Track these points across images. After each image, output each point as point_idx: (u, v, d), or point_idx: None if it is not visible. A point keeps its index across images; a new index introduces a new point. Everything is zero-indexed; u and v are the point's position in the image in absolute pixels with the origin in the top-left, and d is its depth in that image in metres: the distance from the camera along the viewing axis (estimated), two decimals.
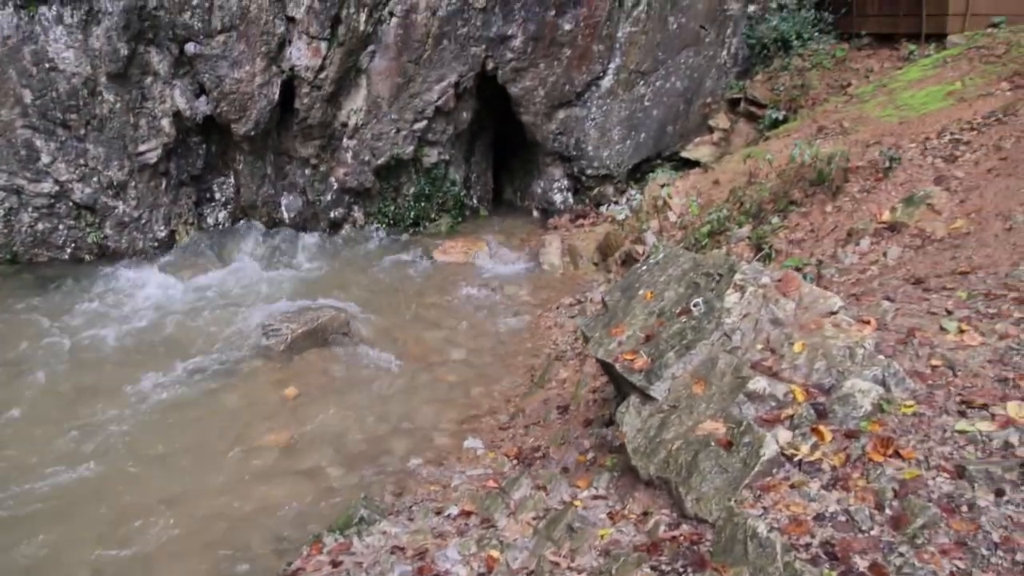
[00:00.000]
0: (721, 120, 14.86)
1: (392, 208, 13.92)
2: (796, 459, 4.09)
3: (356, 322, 10.11)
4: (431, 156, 13.99)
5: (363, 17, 12.54)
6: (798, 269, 7.94)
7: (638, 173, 14.78)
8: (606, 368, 5.80)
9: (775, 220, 9.05)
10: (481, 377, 9.05)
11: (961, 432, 3.92)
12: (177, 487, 7.06)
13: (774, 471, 4.09)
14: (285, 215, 13.65)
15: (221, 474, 7.23)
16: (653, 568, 3.80)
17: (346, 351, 9.53)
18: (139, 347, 9.82)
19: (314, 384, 8.85)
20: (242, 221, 13.55)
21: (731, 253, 9.08)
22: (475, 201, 15.08)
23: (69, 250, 12.38)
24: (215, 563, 6.12)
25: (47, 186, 11.95)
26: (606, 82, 14.05)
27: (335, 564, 5.28)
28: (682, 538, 4.00)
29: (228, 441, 7.72)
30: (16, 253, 12.11)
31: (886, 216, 8.27)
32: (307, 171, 13.50)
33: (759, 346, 4.85)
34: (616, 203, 13.68)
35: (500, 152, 15.82)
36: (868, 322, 4.84)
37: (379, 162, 13.49)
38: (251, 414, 8.27)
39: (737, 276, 5.17)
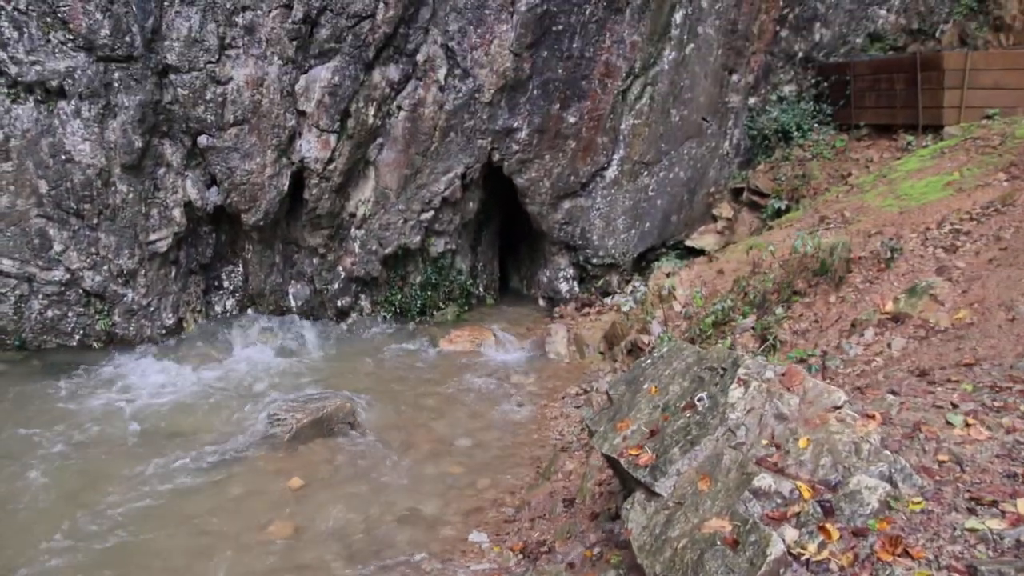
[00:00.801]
0: (724, 209, 15.06)
1: (399, 297, 14.03)
2: (803, 558, 4.04)
3: (362, 411, 10.09)
4: (438, 246, 14.16)
5: (372, 111, 12.86)
6: (802, 361, 7.96)
7: (643, 261, 14.92)
8: (612, 463, 5.78)
9: (779, 311, 9.10)
10: (487, 468, 8.99)
11: (971, 530, 3.89)
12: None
13: (781, 571, 4.04)
14: (293, 303, 13.75)
15: (222, 566, 7.13)
16: None
17: (351, 441, 9.50)
18: (144, 435, 9.79)
19: (319, 474, 8.79)
20: (250, 309, 13.65)
21: (736, 344, 9.11)
22: (481, 290, 15.19)
23: (78, 337, 12.45)
24: None
25: (58, 274, 12.10)
26: (610, 173, 14.30)
27: None
28: None
29: (232, 531, 7.64)
30: (25, 340, 12.19)
31: (889, 307, 8.32)
32: (315, 260, 13.66)
33: (764, 441, 4.84)
34: (621, 293, 13.78)
35: (506, 241, 16.01)
36: (873, 416, 4.84)
37: (386, 251, 13.65)
38: (255, 504, 8.19)
39: (741, 370, 5.19)
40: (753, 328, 9.16)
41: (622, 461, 5.24)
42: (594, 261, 14.75)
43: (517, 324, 13.80)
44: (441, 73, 13.04)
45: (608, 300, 14.03)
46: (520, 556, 6.78)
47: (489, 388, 11.22)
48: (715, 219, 15.21)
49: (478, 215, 14.59)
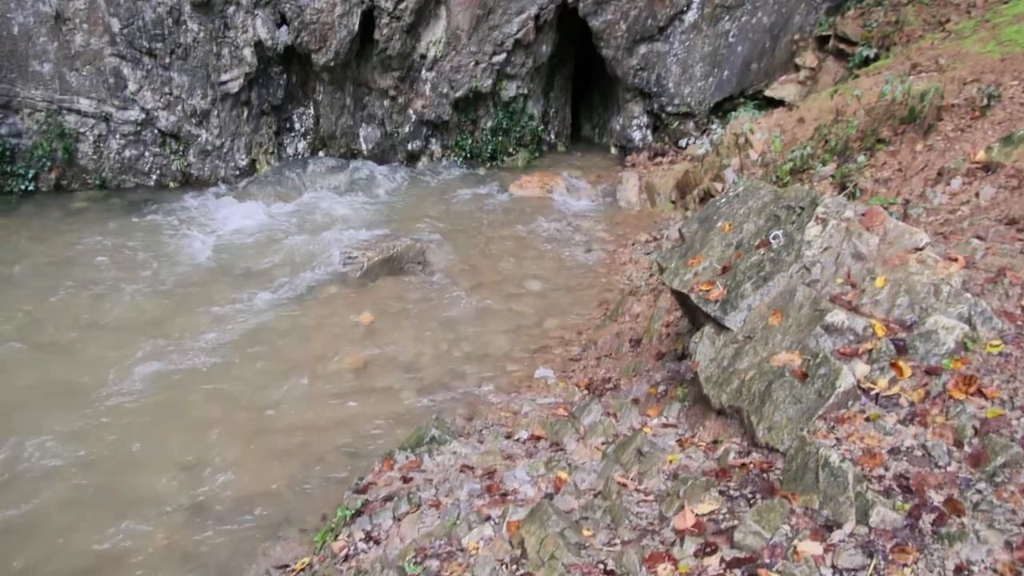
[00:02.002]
0: (808, 58, 14.37)
1: (469, 142, 13.90)
2: (873, 393, 4.02)
3: (431, 252, 10.19)
4: (509, 90, 13.88)
5: None
6: (884, 207, 7.71)
7: (719, 112, 14.44)
8: (681, 299, 5.75)
9: (861, 158, 8.76)
10: (554, 309, 9.07)
11: None
12: (257, 401, 7.30)
13: (849, 403, 4.02)
14: (363, 146, 13.74)
15: (299, 391, 7.44)
16: (721, 492, 3.80)
17: (421, 280, 9.64)
18: (220, 270, 10.07)
19: (389, 310, 8.98)
20: (321, 152, 13.69)
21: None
22: (553, 136, 14.95)
23: (155, 176, 12.69)
24: (292, 472, 6.34)
25: (134, 114, 12.23)
26: (690, 16, 13.68)
27: (405, 479, 5.42)
28: (752, 465, 3.98)
29: (306, 361, 7.92)
30: (105, 179, 12.47)
31: (981, 156, 7.93)
32: (385, 103, 13.53)
33: (839, 280, 4.74)
34: (696, 142, 13.43)
35: (579, 87, 15.61)
36: (956, 259, 4.67)
37: (457, 95, 13.44)
38: (328, 337, 8.45)
39: (819, 209, 5.05)
40: (832, 176, 8.86)
41: (692, 296, 5.21)
42: (669, 109, 14.33)
43: (588, 171, 13.62)
44: None
45: (682, 148, 13.71)
46: (585, 391, 6.90)
47: (558, 233, 11.19)
48: (797, 68, 14.53)
49: (551, 59, 14.18)
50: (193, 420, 7.05)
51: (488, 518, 4.41)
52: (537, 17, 13.24)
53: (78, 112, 12.05)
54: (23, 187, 12.03)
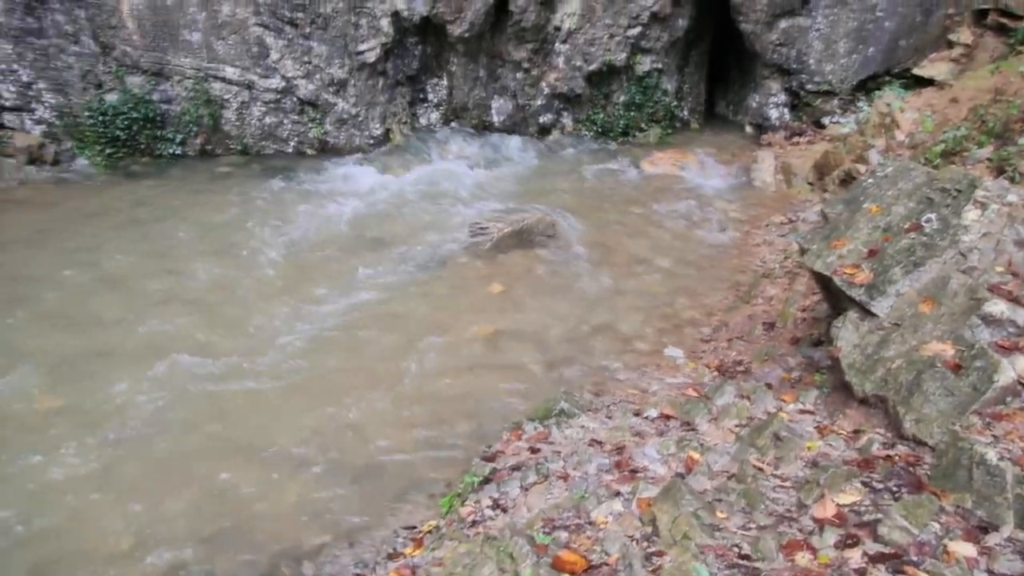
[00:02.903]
0: (964, 34, 13.56)
1: (601, 116, 13.78)
2: None
3: (562, 226, 10.17)
4: (644, 64, 13.67)
5: None
6: None
7: (863, 91, 13.82)
8: (822, 282, 5.56)
9: (1023, 141, 8.25)
10: (685, 289, 8.93)
11: None
12: (389, 366, 7.47)
13: (1008, 399, 3.81)
14: (495, 118, 13.81)
15: (429, 358, 7.57)
16: (864, 484, 3.66)
17: (551, 253, 9.64)
18: (355, 237, 10.32)
19: (519, 282, 9.03)
20: (453, 123, 13.83)
21: None
22: (686, 113, 14.66)
23: (293, 144, 13.10)
24: (419, 438, 6.48)
25: (275, 82, 12.63)
26: None
27: (533, 451, 5.45)
28: (898, 458, 3.83)
29: (435, 329, 8.05)
30: (246, 145, 12.95)
31: None
32: (519, 75, 13.54)
33: (999, 268, 4.48)
34: (837, 121, 12.92)
35: (715, 63, 15.23)
36: None
37: (591, 68, 13.33)
38: (457, 306, 8.57)
39: (979, 192, 4.78)
40: (990, 159, 8.37)
41: (836, 279, 5.03)
42: (809, 87, 13.82)
43: (722, 150, 13.30)
44: None
45: (824, 128, 13.21)
46: (715, 373, 6.78)
47: (690, 211, 10.99)
48: (950, 45, 13.75)
49: (687, 33, 13.88)
50: (328, 382, 7.27)
51: (617, 493, 4.39)
52: None
53: (224, 80, 12.54)
54: (171, 151, 12.64)
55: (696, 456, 4.60)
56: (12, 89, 12.23)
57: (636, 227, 10.58)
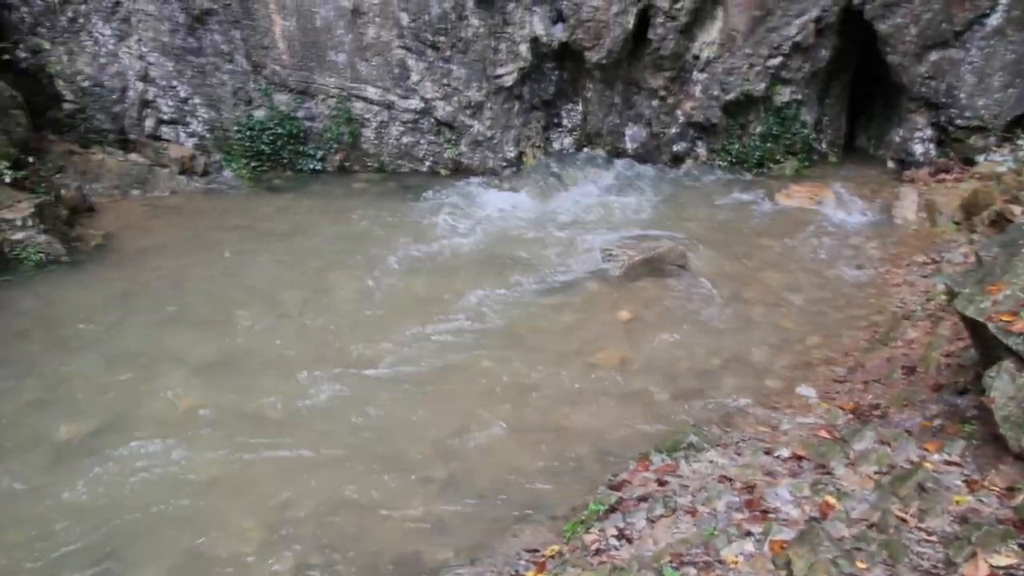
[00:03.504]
0: None
1: (737, 146, 13.56)
2: None
3: (693, 256, 10.04)
4: (783, 95, 13.40)
5: None
6: None
7: (1019, 127, 13.17)
8: (972, 328, 5.30)
9: None
10: (818, 326, 8.67)
11: None
12: (516, 385, 7.56)
13: None
14: (628, 145, 13.78)
15: (556, 381, 7.60)
16: (1021, 546, 3.46)
17: (681, 283, 9.53)
18: (484, 256, 10.49)
19: (648, 311, 8.97)
20: (586, 148, 13.88)
21: None
22: (824, 145, 14.26)
23: (428, 163, 13.41)
24: (545, 461, 6.50)
25: (414, 103, 12.97)
26: (993, 20, 12.55)
27: (661, 483, 5.38)
28: None
29: (564, 352, 8.09)
30: (383, 163, 13.35)
31: None
32: (654, 103, 13.49)
33: None
34: (990, 157, 12.32)
35: (857, 95, 14.78)
36: None
37: (728, 98, 13.15)
38: (585, 331, 8.57)
39: None
40: None
41: (990, 326, 4.78)
42: (958, 122, 13.25)
43: (861, 185, 12.87)
44: None
45: (970, 166, 12.63)
46: (850, 416, 6.54)
47: (826, 247, 10.67)
48: None
49: (829, 64, 13.52)
50: (454, 399, 7.40)
51: (748, 533, 4.29)
52: (818, 20, 12.67)
53: (365, 99, 12.97)
54: (312, 166, 13.17)
55: (833, 501, 4.44)
56: (171, 104, 12.98)
57: (769, 261, 10.35)
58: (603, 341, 8.34)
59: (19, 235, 10.06)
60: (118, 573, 5.59)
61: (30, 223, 10.15)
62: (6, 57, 11.99)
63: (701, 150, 13.76)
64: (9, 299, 9.38)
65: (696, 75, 13.16)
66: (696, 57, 13.03)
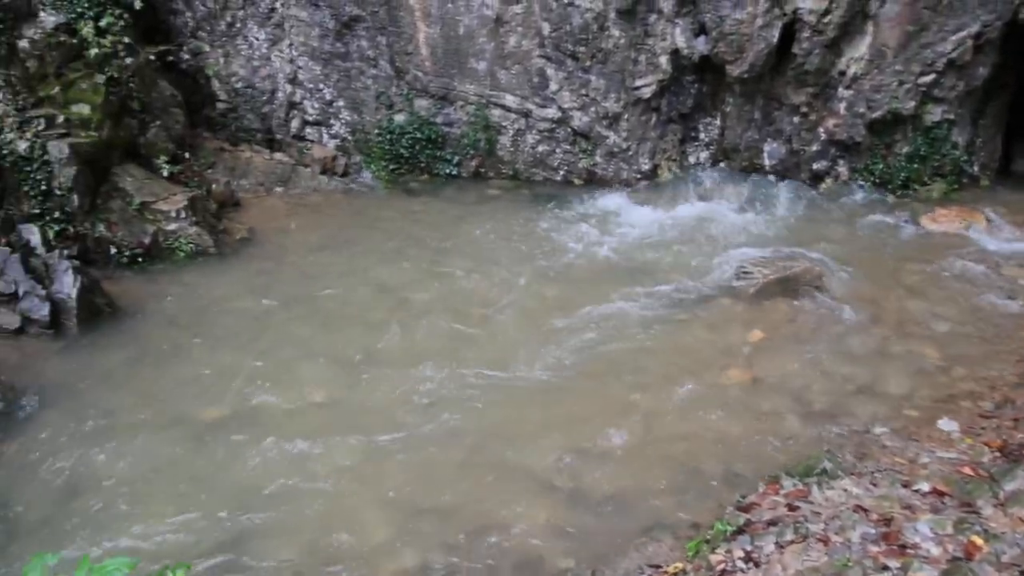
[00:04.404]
0: None
1: (881, 166, 13.04)
2: None
3: (830, 278, 9.72)
4: (933, 114, 12.82)
5: None
6: None
7: None
8: None
9: None
10: (963, 357, 8.23)
11: None
12: (643, 400, 7.52)
13: None
14: (766, 161, 13.45)
15: (685, 398, 7.51)
16: None
17: (816, 305, 9.23)
18: (615, 266, 10.49)
19: (780, 331, 8.74)
20: (722, 163, 13.63)
21: None
22: (976, 168, 13.56)
23: (562, 173, 13.46)
24: (668, 476, 6.43)
25: (551, 112, 13.04)
26: None
27: (791, 508, 5.22)
28: None
29: (693, 369, 7.99)
30: (517, 170, 13.48)
31: None
32: (795, 119, 13.13)
33: None
34: None
35: (1016, 116, 14.00)
36: None
37: (874, 116, 12.68)
38: (716, 348, 8.44)
39: None
40: None
41: None
42: None
43: (1016, 211, 12.15)
44: None
45: None
46: (997, 454, 6.19)
47: (975, 275, 10.13)
48: None
49: (986, 83, 12.86)
50: (583, 407, 7.44)
51: (885, 567, 4.12)
52: (978, 35, 12.07)
53: (503, 107, 13.13)
54: (447, 171, 13.42)
55: (980, 542, 4.21)
56: (316, 105, 13.48)
57: (911, 286, 9.91)
58: (733, 358, 8.18)
59: (172, 226, 10.63)
60: (244, 556, 5.81)
61: (183, 215, 10.71)
62: (170, 58, 12.69)
63: (843, 169, 13.31)
64: (160, 286, 9.94)
65: (841, 91, 12.75)
66: (842, 73, 12.63)
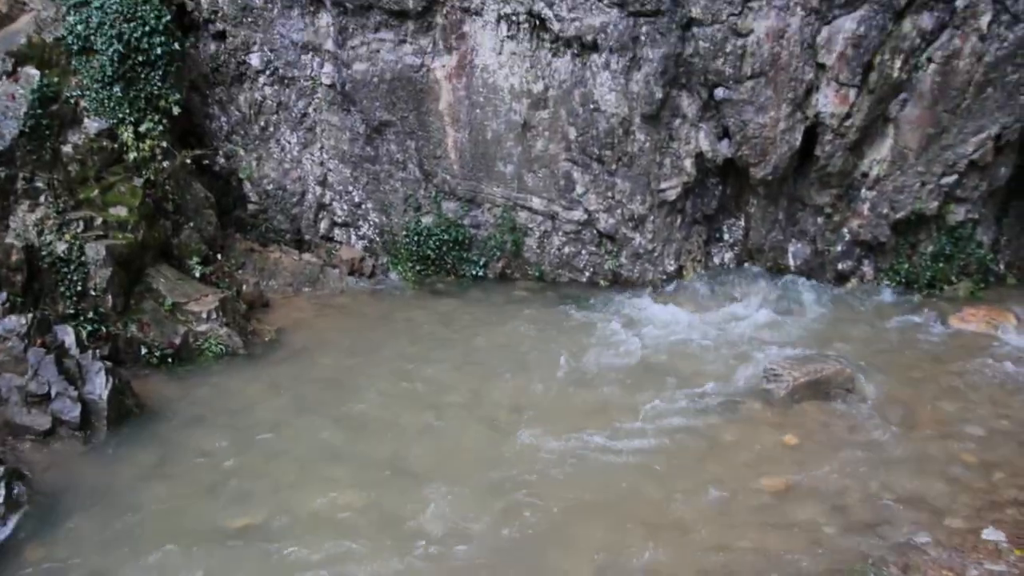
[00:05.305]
0: None
1: (906, 266, 13.05)
2: None
3: (861, 379, 9.64)
4: (957, 214, 12.89)
5: (897, 64, 11.99)
6: None
7: None
8: None
9: None
10: (1003, 462, 8.06)
11: None
12: (674, 507, 7.41)
13: None
14: (791, 262, 13.51)
15: (717, 506, 7.38)
16: None
17: (849, 408, 9.14)
18: (643, 369, 10.42)
19: (814, 436, 8.62)
20: (747, 264, 13.70)
21: None
22: (1002, 267, 13.55)
23: (587, 274, 13.55)
24: None
25: (577, 214, 13.22)
26: None
27: None
28: None
29: (725, 475, 7.87)
30: (543, 272, 13.58)
31: None
32: (819, 220, 13.24)
33: None
34: None
35: None
36: None
37: (898, 216, 12.77)
38: (747, 454, 8.31)
39: None
40: None
41: None
42: None
43: None
44: (984, 20, 11.66)
45: None
46: None
47: (1007, 375, 10.01)
48: None
49: (1009, 182, 12.96)
50: (609, 514, 7.35)
51: None
52: (998, 137, 12.23)
53: (530, 209, 13.33)
54: (474, 272, 13.54)
55: None
56: (345, 207, 13.76)
57: (943, 388, 9.79)
58: (766, 465, 8.05)
59: (203, 327, 10.74)
60: None
61: (214, 316, 10.84)
62: (205, 161, 13.04)
63: (868, 269, 13.33)
64: (188, 387, 9.98)
65: (864, 192, 12.88)
66: (865, 175, 12.78)
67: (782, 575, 6.38)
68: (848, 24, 11.83)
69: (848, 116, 12.25)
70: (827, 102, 12.28)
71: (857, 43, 11.83)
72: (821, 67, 12.16)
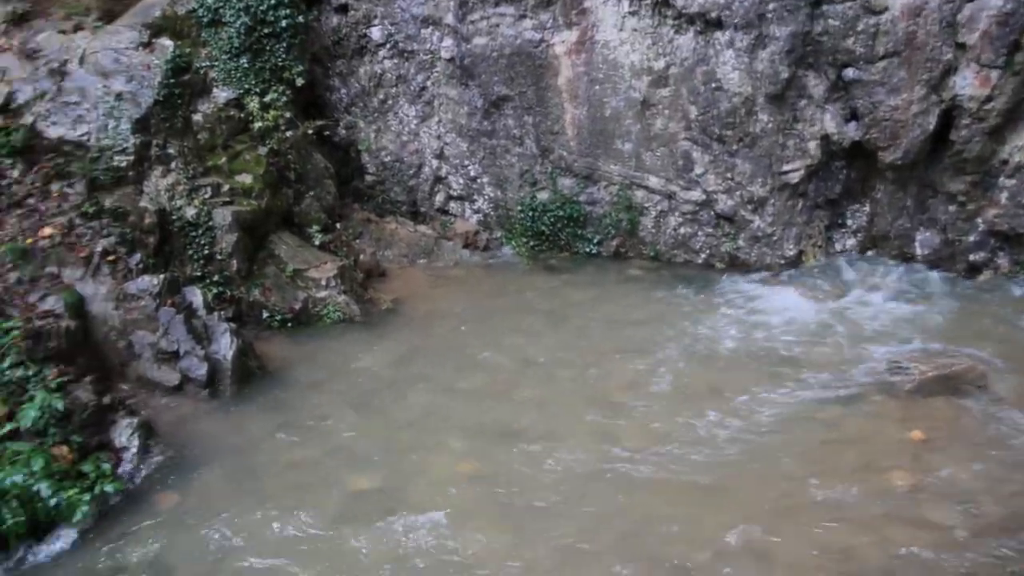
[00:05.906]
0: None
1: None
2: None
3: (994, 377, 9.18)
4: None
5: None
6: None
7: None
8: None
9: None
10: None
11: None
12: (789, 499, 7.24)
13: None
14: (918, 251, 12.94)
15: (837, 499, 7.19)
16: None
17: (981, 406, 8.71)
18: (757, 357, 10.15)
19: (943, 432, 8.26)
20: (870, 251, 13.20)
21: None
22: None
23: (703, 256, 13.31)
24: None
25: (695, 194, 12.98)
26: None
27: None
28: None
29: (848, 469, 7.63)
30: (658, 252, 13.40)
31: None
32: (951, 207, 12.64)
33: None
34: None
35: None
36: None
37: None
38: (872, 447, 8.03)
39: None
40: None
41: None
42: None
43: None
44: None
45: None
46: None
47: None
48: None
49: None
50: (724, 501, 7.27)
51: None
52: None
53: (647, 188, 13.16)
54: (588, 250, 13.47)
55: None
56: (461, 181, 13.85)
57: None
58: (892, 461, 7.75)
59: (322, 293, 11.00)
60: None
61: (332, 283, 11.08)
62: (326, 132, 13.32)
63: (1003, 261, 12.67)
64: (308, 352, 10.26)
65: (1003, 180, 12.22)
66: (1004, 162, 12.13)
67: (908, 574, 6.15)
68: (994, 1, 11.23)
69: (989, 99, 11.63)
70: (966, 84, 11.68)
71: (1004, 21, 11.21)
72: (961, 47, 11.57)
